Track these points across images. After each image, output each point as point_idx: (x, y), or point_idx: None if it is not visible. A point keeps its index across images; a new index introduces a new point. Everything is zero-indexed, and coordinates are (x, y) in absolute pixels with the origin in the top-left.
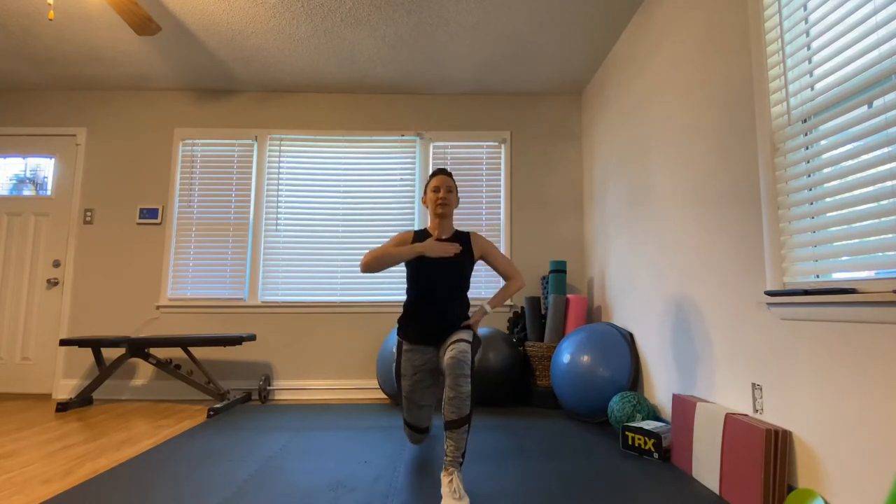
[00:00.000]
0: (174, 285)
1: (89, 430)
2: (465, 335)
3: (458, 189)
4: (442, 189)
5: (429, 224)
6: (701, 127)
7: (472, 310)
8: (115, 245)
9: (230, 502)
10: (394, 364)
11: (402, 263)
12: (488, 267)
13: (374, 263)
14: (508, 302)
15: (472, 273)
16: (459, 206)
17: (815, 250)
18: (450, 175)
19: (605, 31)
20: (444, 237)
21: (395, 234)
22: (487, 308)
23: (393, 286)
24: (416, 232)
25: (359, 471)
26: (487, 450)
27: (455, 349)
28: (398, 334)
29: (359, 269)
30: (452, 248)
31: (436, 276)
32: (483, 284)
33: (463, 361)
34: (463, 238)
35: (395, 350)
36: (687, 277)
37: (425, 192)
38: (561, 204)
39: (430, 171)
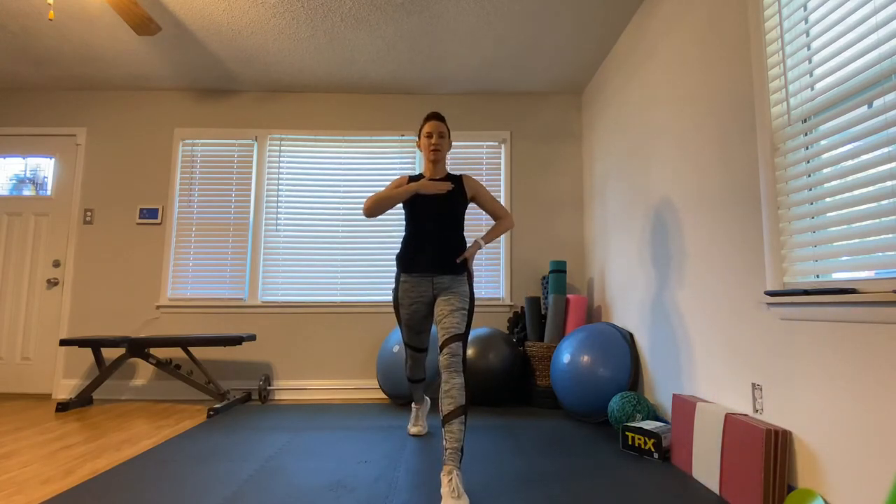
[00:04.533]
0: (174, 285)
1: (89, 430)
2: (459, 319)
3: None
4: (434, 134)
5: (423, 167)
6: (701, 127)
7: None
8: (115, 245)
9: (230, 502)
10: (392, 295)
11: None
12: (490, 218)
13: (375, 207)
14: (509, 301)
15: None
16: (452, 145)
17: (815, 250)
18: (442, 119)
19: (605, 31)
20: (436, 178)
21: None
22: (481, 242)
23: (392, 286)
24: (410, 177)
25: (359, 471)
26: (487, 450)
27: (449, 352)
28: (397, 265)
29: (362, 212)
30: (445, 186)
31: (431, 212)
32: (484, 229)
33: (456, 363)
34: (455, 179)
35: (394, 356)
36: (687, 277)
37: (419, 137)
38: (561, 204)
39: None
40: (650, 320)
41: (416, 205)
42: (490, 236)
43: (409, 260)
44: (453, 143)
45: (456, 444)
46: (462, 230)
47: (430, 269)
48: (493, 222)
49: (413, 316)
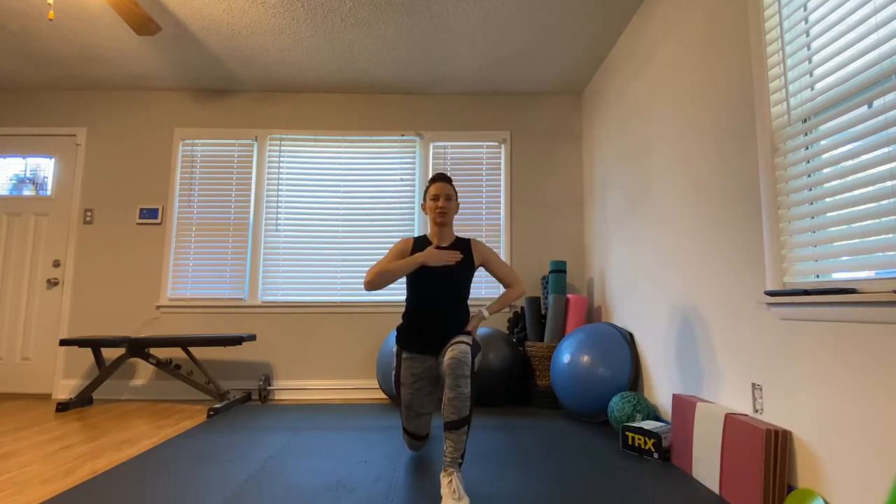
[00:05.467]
0: (174, 285)
1: (89, 430)
2: (465, 338)
3: (459, 191)
4: (441, 197)
5: (429, 230)
6: (701, 127)
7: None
8: (115, 245)
9: (230, 502)
10: (393, 372)
11: None
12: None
13: (377, 281)
14: None
15: (473, 279)
16: (460, 206)
17: (815, 250)
18: (449, 181)
19: (605, 31)
20: (444, 245)
21: (397, 240)
22: (485, 313)
23: (392, 286)
24: (415, 239)
25: (359, 471)
26: (487, 450)
27: (455, 350)
28: (397, 342)
29: (363, 284)
30: (453, 257)
31: (436, 285)
32: (483, 285)
33: (463, 362)
34: (463, 245)
35: (394, 358)
36: (687, 277)
37: (424, 199)
38: (561, 204)
39: (430, 175)
40: (650, 320)
41: (421, 276)
42: (496, 307)
43: (412, 339)
44: (452, 144)
45: (456, 453)
46: (467, 299)
47: (434, 350)
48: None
49: (415, 395)
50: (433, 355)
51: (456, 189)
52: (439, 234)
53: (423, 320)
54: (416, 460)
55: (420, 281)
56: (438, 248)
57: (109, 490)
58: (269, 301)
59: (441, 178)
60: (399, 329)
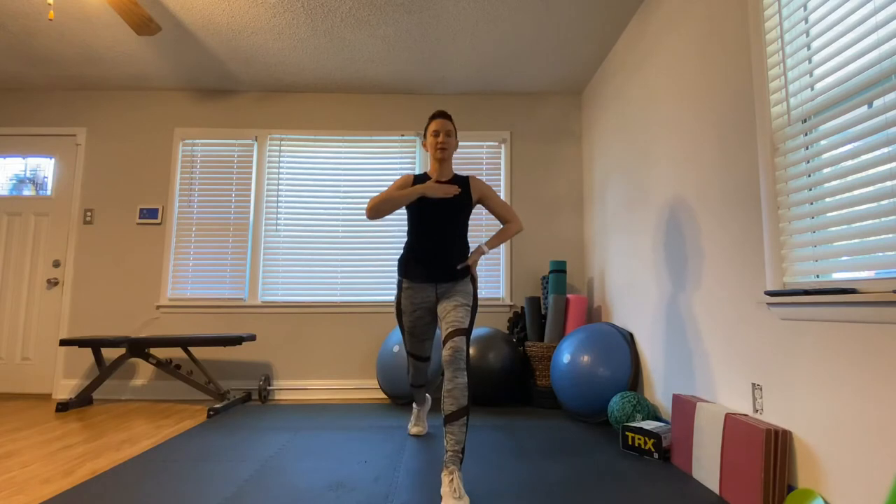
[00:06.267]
0: (174, 285)
1: (89, 430)
2: (462, 317)
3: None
4: (441, 133)
5: (429, 168)
6: (701, 127)
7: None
8: (115, 245)
9: (230, 502)
10: (394, 301)
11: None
12: (489, 217)
13: (379, 207)
14: (509, 301)
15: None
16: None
17: (815, 250)
18: (449, 118)
19: (605, 31)
20: (443, 180)
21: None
22: (485, 248)
23: (393, 286)
24: (416, 176)
25: (359, 471)
26: (487, 450)
27: (452, 346)
28: (398, 273)
29: (364, 213)
30: (452, 189)
31: (435, 216)
32: (484, 229)
33: (459, 358)
34: (462, 181)
35: (394, 357)
36: (687, 277)
37: (425, 136)
38: (561, 204)
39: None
40: (650, 320)
41: (421, 208)
42: (495, 241)
43: (412, 267)
44: None
45: (457, 445)
46: (466, 234)
47: (433, 277)
48: (493, 219)
49: (416, 323)
50: (432, 283)
51: (455, 126)
52: (439, 169)
53: (423, 251)
54: (416, 460)
55: (420, 213)
56: (437, 181)
57: (109, 490)
58: (269, 301)
59: (441, 114)
60: (400, 260)
